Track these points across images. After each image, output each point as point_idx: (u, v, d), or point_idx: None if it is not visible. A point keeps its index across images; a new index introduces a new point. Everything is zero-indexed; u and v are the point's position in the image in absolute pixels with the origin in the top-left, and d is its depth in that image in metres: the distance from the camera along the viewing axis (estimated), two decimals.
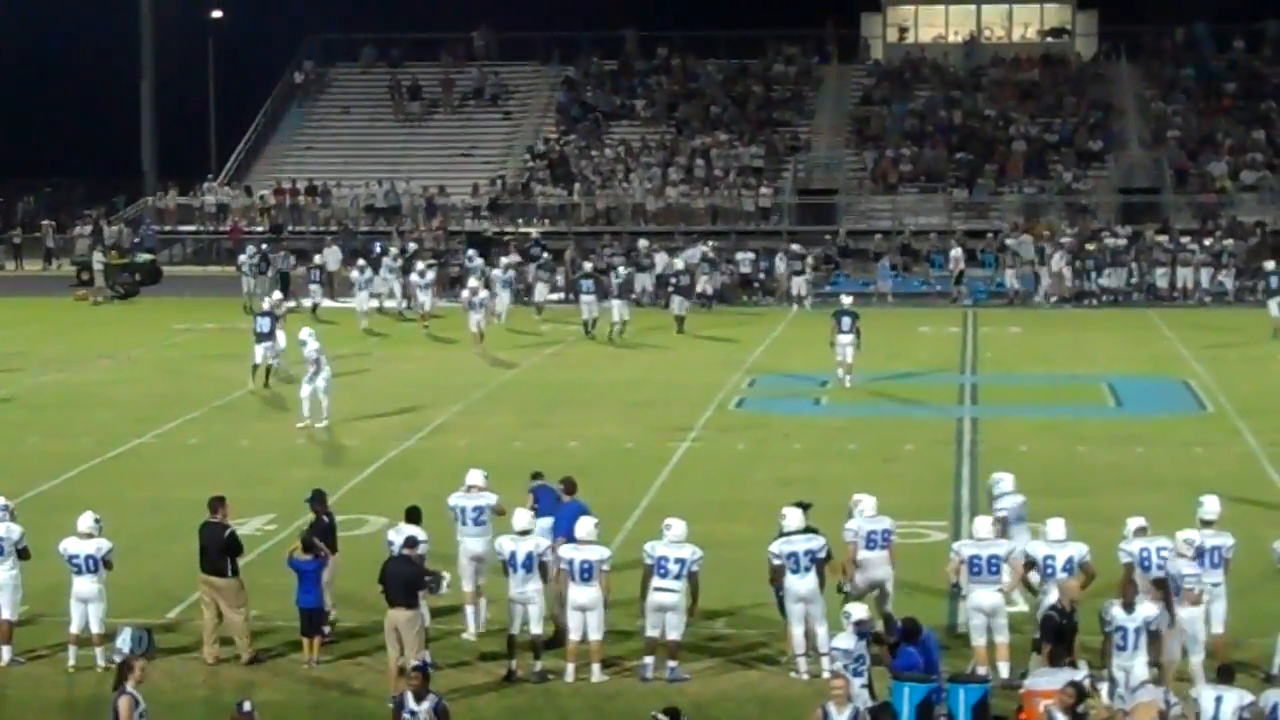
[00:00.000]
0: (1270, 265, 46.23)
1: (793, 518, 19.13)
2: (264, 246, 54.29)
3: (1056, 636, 16.95)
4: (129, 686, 15.41)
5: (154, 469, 29.71)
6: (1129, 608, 17.15)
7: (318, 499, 20.54)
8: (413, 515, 19.92)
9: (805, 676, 18.45)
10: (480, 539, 20.15)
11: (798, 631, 18.77)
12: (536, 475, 21.92)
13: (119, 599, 19.87)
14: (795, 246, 53.67)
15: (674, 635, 18.74)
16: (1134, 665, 16.83)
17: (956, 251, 53.98)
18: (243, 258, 52.69)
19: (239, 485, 25.95)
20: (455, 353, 42.53)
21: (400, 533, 19.36)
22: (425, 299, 48.03)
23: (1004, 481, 20.96)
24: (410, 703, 15.50)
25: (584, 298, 45.62)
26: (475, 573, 20.15)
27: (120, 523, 22.62)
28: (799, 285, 51.82)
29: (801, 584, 18.72)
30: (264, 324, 36.81)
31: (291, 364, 36.28)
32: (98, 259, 57.30)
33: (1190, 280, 52.63)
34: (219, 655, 19.34)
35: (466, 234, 60.75)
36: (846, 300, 38.43)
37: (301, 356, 33.08)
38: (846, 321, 36.77)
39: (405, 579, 18.40)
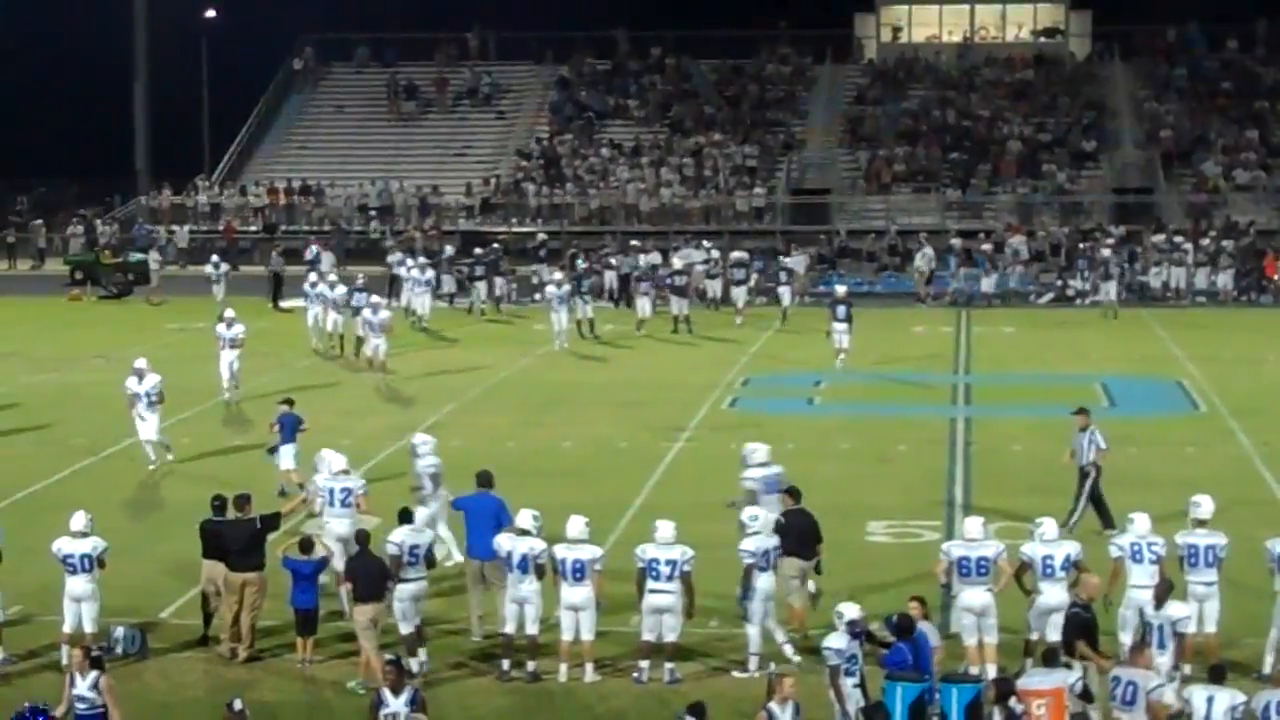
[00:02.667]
0: (1107, 253, 50.66)
1: (762, 520, 19.37)
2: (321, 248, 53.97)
3: (1085, 632, 16.93)
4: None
5: (147, 469, 29.64)
6: (1159, 604, 17.23)
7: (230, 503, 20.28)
8: (404, 517, 19.86)
9: (756, 675, 18.31)
10: (345, 520, 20.93)
11: (754, 631, 18.90)
12: (287, 401, 26.11)
13: (112, 598, 19.84)
14: (738, 254, 51.07)
15: (671, 637, 18.76)
16: (1157, 661, 16.82)
17: (928, 250, 53.92)
18: (209, 268, 52.24)
19: (231, 485, 25.86)
20: (450, 352, 42.51)
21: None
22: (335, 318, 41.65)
23: (759, 452, 21.71)
24: (388, 698, 15.46)
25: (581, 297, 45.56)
26: (343, 553, 20.38)
27: (113, 522, 22.60)
28: (739, 295, 48.58)
29: (770, 582, 18.95)
30: (356, 299, 39.97)
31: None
32: (154, 258, 56.75)
33: (1183, 280, 52.65)
34: (233, 650, 19.38)
35: (460, 233, 60.70)
36: (841, 290, 40.51)
37: (130, 393, 29.50)
38: (841, 310, 38.64)
39: (374, 574, 18.64)
